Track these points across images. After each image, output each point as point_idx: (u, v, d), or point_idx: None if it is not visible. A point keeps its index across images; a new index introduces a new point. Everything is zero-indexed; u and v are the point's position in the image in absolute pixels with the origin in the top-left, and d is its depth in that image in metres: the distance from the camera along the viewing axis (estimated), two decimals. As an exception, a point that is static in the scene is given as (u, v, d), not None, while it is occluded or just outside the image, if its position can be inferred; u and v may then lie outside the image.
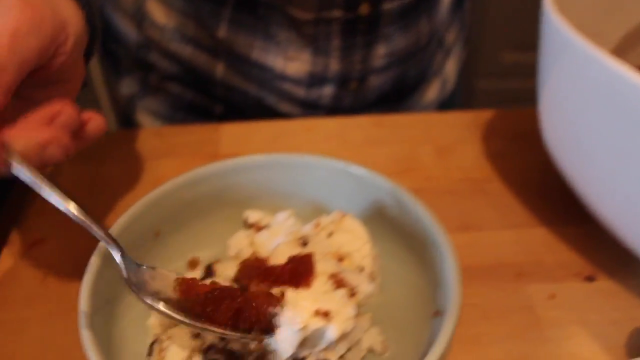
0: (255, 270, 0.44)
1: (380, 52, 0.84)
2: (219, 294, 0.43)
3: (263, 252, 0.51)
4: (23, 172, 0.41)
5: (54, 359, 0.53)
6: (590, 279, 0.58)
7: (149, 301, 0.43)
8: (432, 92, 0.95)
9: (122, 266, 0.45)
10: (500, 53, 1.80)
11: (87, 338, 0.42)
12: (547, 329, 0.54)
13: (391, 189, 0.52)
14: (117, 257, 0.45)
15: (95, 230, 0.44)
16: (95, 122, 0.48)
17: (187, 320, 0.43)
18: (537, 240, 0.62)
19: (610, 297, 0.57)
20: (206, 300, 0.43)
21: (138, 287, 0.44)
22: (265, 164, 0.55)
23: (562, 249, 0.61)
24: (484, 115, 0.77)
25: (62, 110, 0.44)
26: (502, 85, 1.78)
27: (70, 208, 0.43)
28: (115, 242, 0.45)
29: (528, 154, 0.72)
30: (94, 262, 0.47)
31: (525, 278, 0.58)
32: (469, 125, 0.76)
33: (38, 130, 0.42)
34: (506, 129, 0.75)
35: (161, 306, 0.43)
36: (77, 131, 0.46)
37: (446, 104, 0.98)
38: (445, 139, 0.74)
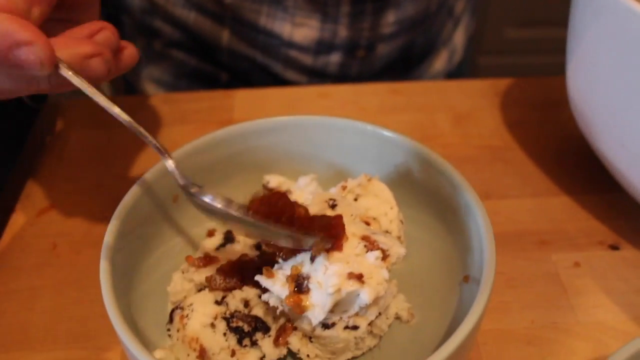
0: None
1: (390, 20, 0.82)
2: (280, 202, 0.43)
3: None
4: (71, 75, 0.40)
5: (65, 328, 0.51)
6: (614, 247, 0.57)
7: (214, 204, 0.43)
8: (440, 62, 0.93)
9: (176, 174, 0.44)
10: (504, 29, 1.78)
11: (103, 270, 0.41)
12: (573, 297, 0.53)
13: (423, 152, 0.50)
14: (170, 165, 0.45)
15: (145, 135, 0.43)
16: (130, 50, 0.48)
17: (256, 221, 0.42)
18: (558, 209, 0.61)
19: (634, 266, 0.56)
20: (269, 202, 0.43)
21: (196, 194, 0.44)
22: (287, 126, 0.53)
23: (584, 217, 0.60)
24: (501, 84, 0.76)
25: (103, 27, 0.44)
26: (506, 61, 1.76)
27: (116, 111, 0.42)
28: (165, 151, 0.45)
29: (547, 123, 0.70)
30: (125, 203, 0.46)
31: (548, 246, 0.57)
32: (487, 93, 0.74)
33: (82, 43, 0.41)
34: (525, 97, 0.74)
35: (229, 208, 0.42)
36: (114, 55, 0.45)
37: (453, 76, 0.96)
38: (463, 107, 0.72)
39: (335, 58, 0.84)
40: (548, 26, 1.68)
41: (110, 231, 0.44)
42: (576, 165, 0.65)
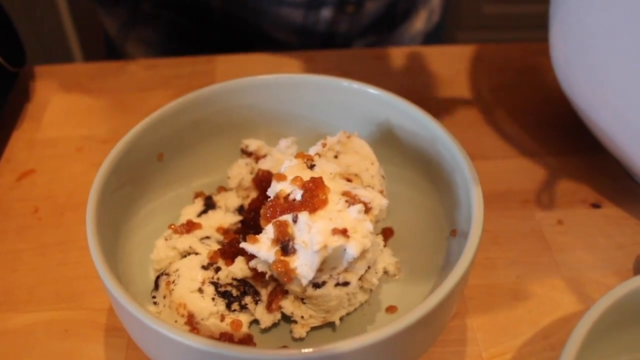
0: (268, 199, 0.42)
1: None
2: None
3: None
4: None
5: (50, 289, 0.51)
6: (596, 205, 0.58)
7: None
8: (420, 22, 0.94)
9: None
10: (481, 5, 1.78)
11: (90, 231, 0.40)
12: (556, 253, 0.54)
13: (406, 108, 0.50)
14: None
15: None
16: None
17: None
18: (541, 169, 0.61)
19: (616, 223, 0.56)
20: None
21: None
22: (266, 85, 0.52)
23: (566, 177, 0.61)
24: (484, 49, 0.76)
25: None
26: (483, 37, 1.77)
27: None
28: None
29: (530, 86, 0.71)
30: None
31: (532, 205, 0.58)
32: (470, 58, 0.74)
33: None
34: (507, 62, 0.74)
35: None
36: None
37: (431, 37, 0.97)
38: (447, 72, 0.72)
39: (325, 13, 0.84)
40: (525, 2, 1.70)
41: (94, 191, 0.43)
42: (558, 127, 0.65)
